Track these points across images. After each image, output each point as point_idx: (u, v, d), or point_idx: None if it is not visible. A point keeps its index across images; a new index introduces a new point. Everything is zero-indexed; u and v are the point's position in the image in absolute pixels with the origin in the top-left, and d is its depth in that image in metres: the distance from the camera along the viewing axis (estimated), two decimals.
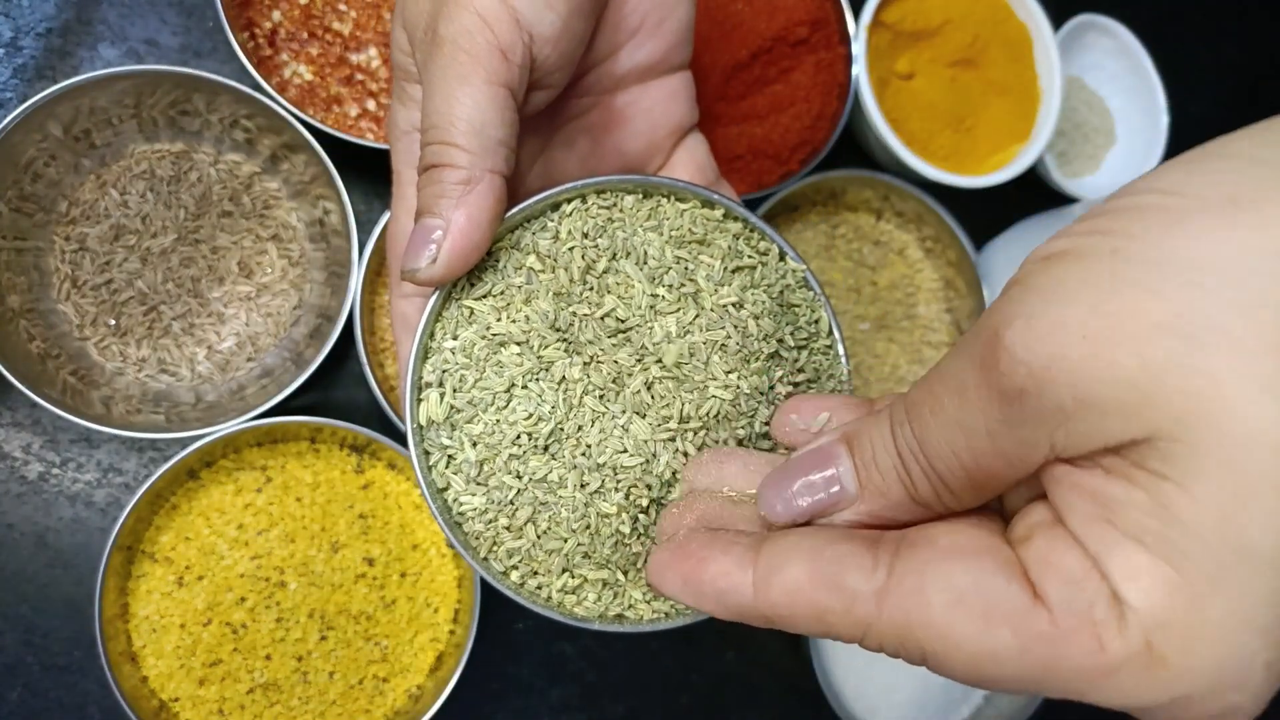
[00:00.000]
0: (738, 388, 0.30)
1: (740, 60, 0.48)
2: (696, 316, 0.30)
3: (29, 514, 0.46)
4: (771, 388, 0.30)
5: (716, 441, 0.29)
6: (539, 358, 0.29)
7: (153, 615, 0.43)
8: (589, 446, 0.29)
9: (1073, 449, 0.18)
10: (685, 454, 0.29)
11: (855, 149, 0.55)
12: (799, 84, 0.50)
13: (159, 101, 0.43)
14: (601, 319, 0.30)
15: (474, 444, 0.29)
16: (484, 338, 0.30)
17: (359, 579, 0.44)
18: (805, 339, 0.31)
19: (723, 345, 0.30)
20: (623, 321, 0.30)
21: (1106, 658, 0.17)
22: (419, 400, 0.30)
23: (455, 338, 0.30)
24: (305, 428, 0.43)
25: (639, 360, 0.29)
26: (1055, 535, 0.19)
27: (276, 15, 0.46)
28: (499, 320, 0.29)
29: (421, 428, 0.30)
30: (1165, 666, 0.17)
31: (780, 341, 0.31)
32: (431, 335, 0.30)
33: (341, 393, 0.49)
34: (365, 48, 0.47)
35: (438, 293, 0.29)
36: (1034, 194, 0.58)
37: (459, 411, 0.29)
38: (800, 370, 0.30)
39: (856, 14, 0.50)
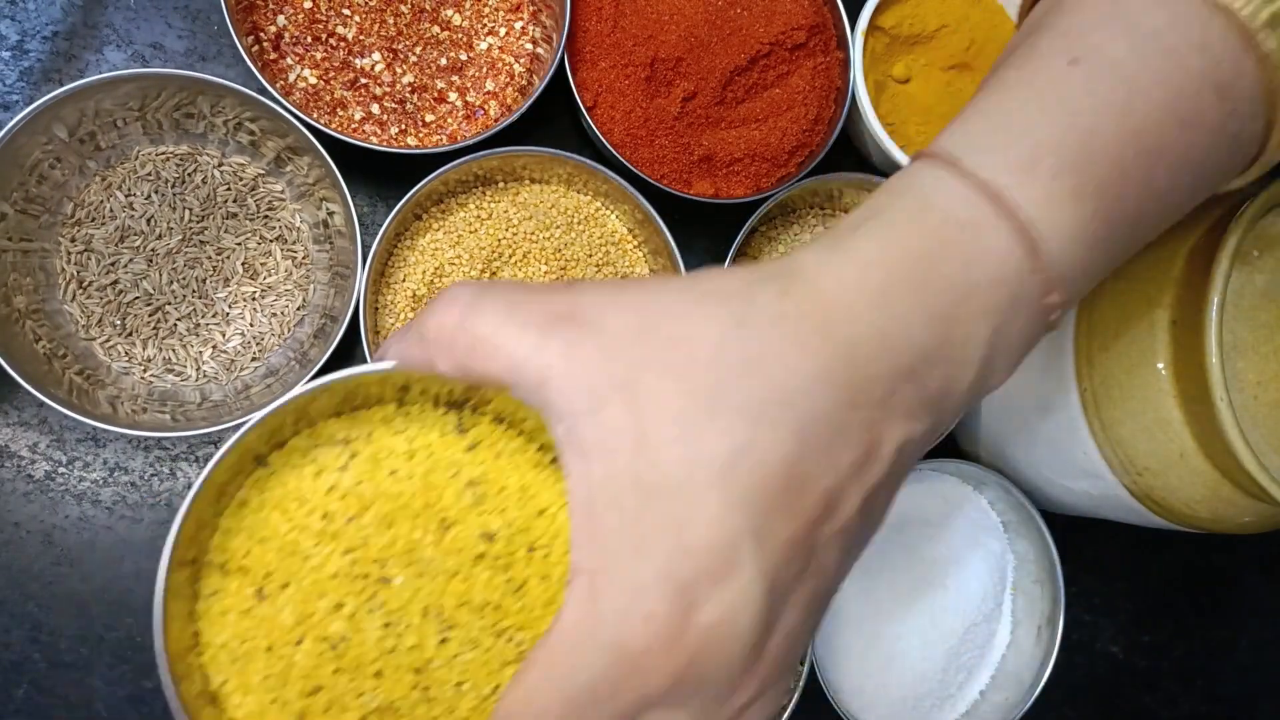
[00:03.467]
0: None
1: (739, 65, 0.48)
2: None
3: (35, 512, 0.46)
4: None
5: None
6: None
7: (232, 641, 0.35)
8: None
9: None
10: None
11: (852, 152, 0.56)
12: (797, 88, 0.50)
13: (164, 104, 0.44)
14: None
15: None
16: None
17: (478, 561, 0.36)
18: None
19: None
20: None
21: None
22: None
23: None
24: (389, 387, 0.36)
25: None
26: None
27: (281, 20, 0.47)
28: None
29: None
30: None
31: None
32: None
33: None
34: (369, 52, 0.47)
35: None
36: None
37: None
38: None
39: (853, 19, 0.50)
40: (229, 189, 0.46)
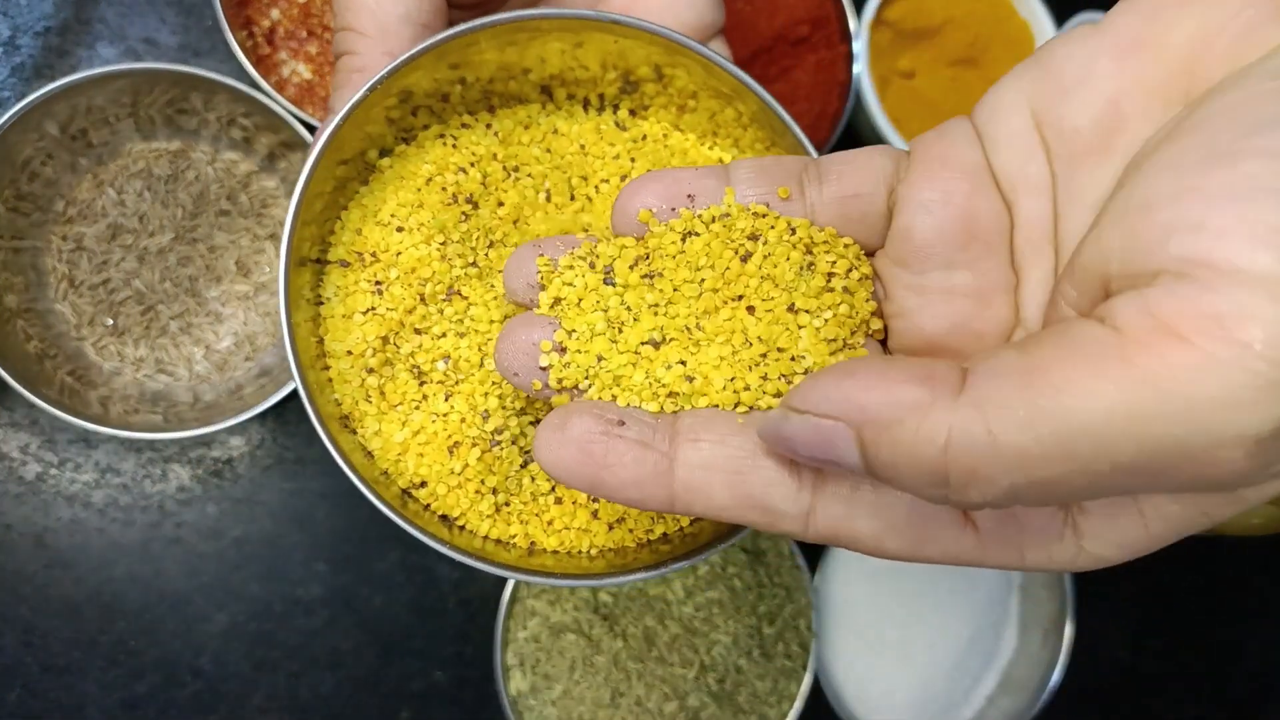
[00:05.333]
0: (734, 633, 0.41)
1: (741, 59, 0.48)
2: (696, 580, 0.41)
3: (27, 514, 0.45)
4: (758, 626, 0.43)
5: (724, 680, 0.42)
6: (588, 638, 0.41)
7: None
8: (640, 695, 0.40)
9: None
10: (708, 687, 0.41)
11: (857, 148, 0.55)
12: (800, 83, 0.49)
13: (156, 100, 0.43)
14: (627, 590, 0.41)
15: (554, 704, 0.41)
16: (546, 627, 0.42)
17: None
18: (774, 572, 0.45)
19: (720, 601, 0.41)
20: (643, 590, 0.41)
21: (1021, 564, 0.20)
22: (508, 678, 0.42)
23: (525, 628, 0.42)
24: (530, 86, 0.32)
25: (661, 621, 0.41)
26: None
27: (275, 14, 0.46)
28: (553, 612, 0.42)
29: (514, 698, 0.41)
30: (1074, 566, 0.21)
31: (760, 585, 0.43)
32: (507, 628, 0.42)
33: None
34: None
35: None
36: None
37: (537, 684, 0.42)
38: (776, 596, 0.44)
39: (857, 12, 0.50)
40: (222, 186, 0.46)
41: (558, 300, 0.24)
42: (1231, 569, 0.63)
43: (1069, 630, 0.50)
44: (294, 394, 0.42)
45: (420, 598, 0.48)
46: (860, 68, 0.49)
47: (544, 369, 0.23)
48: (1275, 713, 0.63)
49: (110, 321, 0.44)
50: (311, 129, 0.42)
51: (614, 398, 0.23)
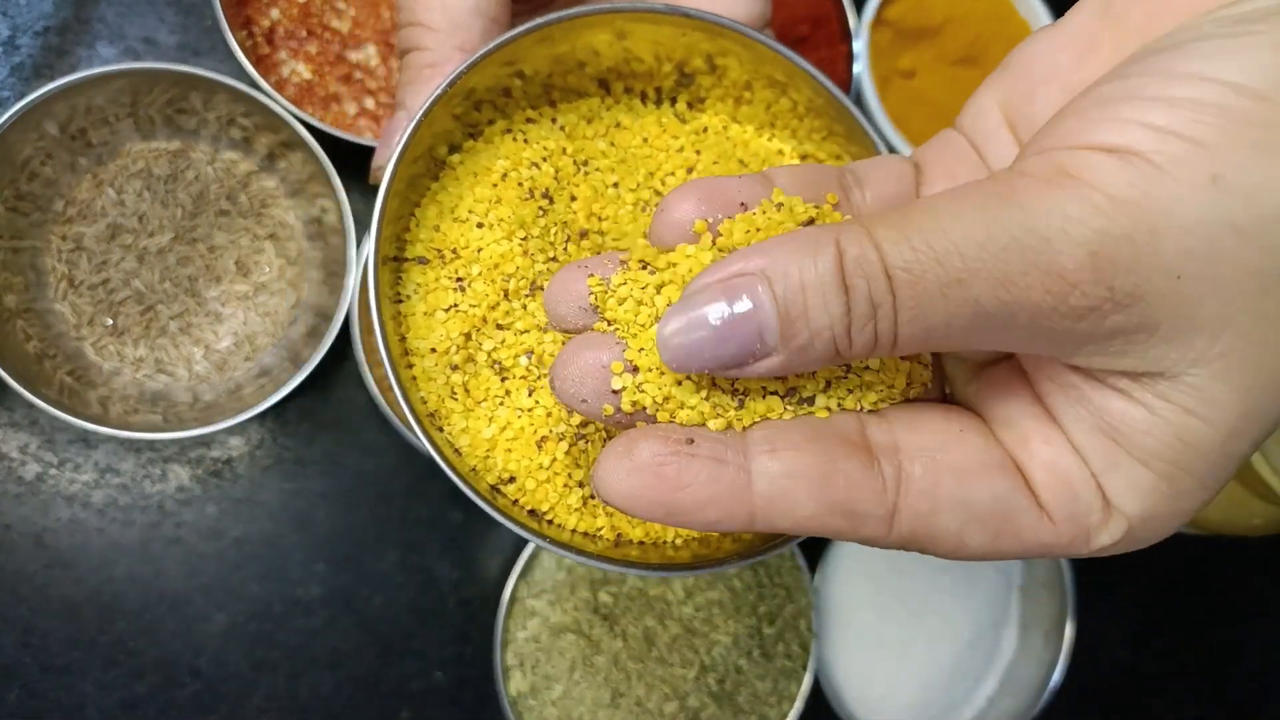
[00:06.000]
0: (734, 634, 0.41)
1: None
2: (696, 580, 0.41)
3: (26, 514, 0.45)
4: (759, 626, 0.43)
5: (724, 680, 0.42)
6: (589, 638, 0.41)
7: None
8: (640, 696, 0.41)
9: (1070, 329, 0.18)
10: (709, 687, 0.42)
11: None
12: None
13: (156, 100, 0.43)
14: (627, 590, 0.41)
15: (554, 705, 0.42)
16: (546, 627, 0.42)
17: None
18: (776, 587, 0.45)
19: (720, 602, 0.42)
20: (643, 590, 0.41)
21: (1090, 548, 0.21)
22: (508, 679, 0.42)
23: (525, 628, 0.42)
24: (589, 80, 0.32)
25: (661, 621, 0.41)
26: (1052, 440, 0.21)
27: (275, 13, 0.46)
28: (553, 612, 0.42)
29: (514, 698, 0.42)
30: (1133, 539, 0.21)
31: (760, 585, 0.43)
32: (507, 629, 0.42)
33: (340, 393, 0.49)
34: (363, 45, 0.47)
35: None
36: None
37: (537, 684, 0.42)
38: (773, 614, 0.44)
39: (857, 11, 0.50)
40: (221, 186, 0.46)
41: (613, 321, 0.22)
42: (1231, 569, 0.63)
43: (1069, 630, 0.50)
44: (294, 394, 0.42)
45: (420, 598, 0.48)
46: (860, 67, 0.49)
47: (616, 392, 0.21)
48: (1275, 713, 0.63)
49: (110, 321, 0.44)
50: (311, 129, 0.42)
51: (671, 416, 0.21)
